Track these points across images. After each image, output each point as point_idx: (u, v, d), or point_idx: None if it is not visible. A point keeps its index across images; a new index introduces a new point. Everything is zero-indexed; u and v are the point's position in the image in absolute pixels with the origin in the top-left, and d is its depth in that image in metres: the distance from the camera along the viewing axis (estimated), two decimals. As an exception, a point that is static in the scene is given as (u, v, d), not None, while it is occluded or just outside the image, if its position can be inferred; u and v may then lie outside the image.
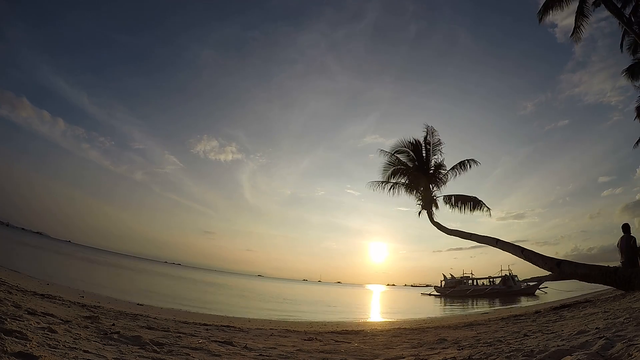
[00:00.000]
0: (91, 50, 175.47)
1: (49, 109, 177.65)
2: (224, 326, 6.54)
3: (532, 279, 31.73)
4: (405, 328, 7.61)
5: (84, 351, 2.60)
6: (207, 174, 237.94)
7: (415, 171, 16.48)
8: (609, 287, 9.39)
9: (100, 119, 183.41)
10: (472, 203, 15.33)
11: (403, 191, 16.88)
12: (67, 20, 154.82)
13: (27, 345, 2.39)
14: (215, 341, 4.15)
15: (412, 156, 16.80)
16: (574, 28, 14.65)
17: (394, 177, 16.94)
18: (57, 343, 2.67)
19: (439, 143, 16.80)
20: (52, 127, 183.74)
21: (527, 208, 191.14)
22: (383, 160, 17.09)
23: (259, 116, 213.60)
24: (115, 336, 3.48)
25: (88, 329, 3.71)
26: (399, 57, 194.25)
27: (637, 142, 21.08)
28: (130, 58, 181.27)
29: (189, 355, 3.10)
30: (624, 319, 3.56)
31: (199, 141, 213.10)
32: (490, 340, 4.00)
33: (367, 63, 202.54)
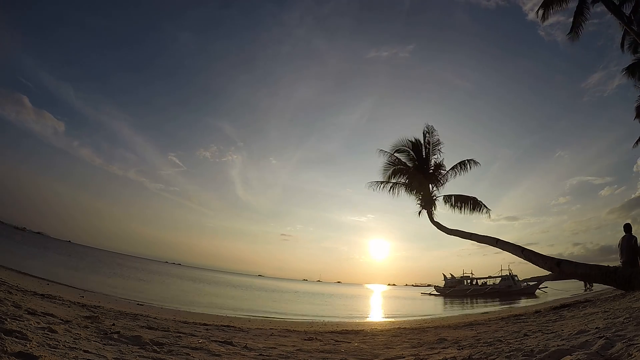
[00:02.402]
0: (68, 37, 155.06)
1: (47, 108, 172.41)
2: (224, 326, 6.54)
3: (532, 279, 31.89)
4: (405, 328, 7.62)
5: (84, 351, 2.60)
6: (202, 174, 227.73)
7: (415, 171, 16.47)
8: (608, 286, 9.40)
9: (88, 115, 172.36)
10: (471, 203, 15.32)
11: (403, 191, 16.88)
12: (46, 8, 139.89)
13: (27, 345, 2.39)
14: (215, 341, 4.15)
15: (412, 156, 16.78)
16: (572, 27, 14.65)
17: (394, 177, 16.93)
18: (57, 343, 2.67)
19: (439, 143, 16.80)
20: (46, 126, 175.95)
21: (521, 210, 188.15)
22: (383, 159, 17.09)
23: (245, 104, 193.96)
24: (115, 336, 3.48)
25: (88, 329, 3.71)
26: (391, 34, 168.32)
27: (636, 142, 21.07)
28: (110, 46, 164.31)
29: (189, 355, 3.10)
30: (624, 319, 3.56)
31: (194, 139, 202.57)
32: (490, 340, 4.00)
33: (357, 41, 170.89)
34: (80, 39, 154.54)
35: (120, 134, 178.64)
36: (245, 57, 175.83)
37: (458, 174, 16.15)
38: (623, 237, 8.54)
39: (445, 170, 16.43)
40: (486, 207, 15.26)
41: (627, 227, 8.55)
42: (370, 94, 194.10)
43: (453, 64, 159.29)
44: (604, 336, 2.57)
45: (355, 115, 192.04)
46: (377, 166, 17.37)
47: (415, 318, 12.87)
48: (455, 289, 38.73)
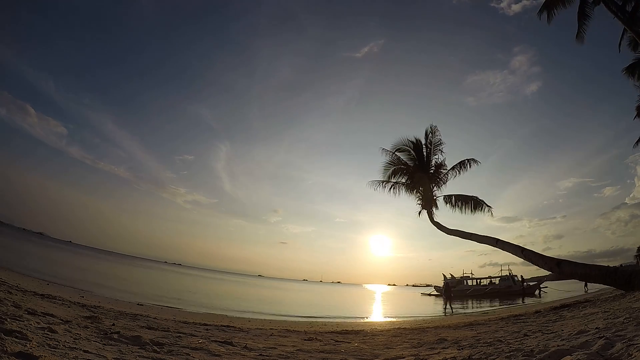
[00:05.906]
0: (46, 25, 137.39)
1: (43, 109, 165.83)
2: (224, 326, 6.55)
3: (532, 279, 31.80)
4: (405, 328, 7.62)
5: (84, 351, 2.60)
6: (197, 173, 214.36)
7: (416, 170, 16.48)
8: (609, 286, 9.41)
9: (86, 116, 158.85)
10: (472, 203, 15.32)
11: (403, 190, 16.89)
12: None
13: (27, 345, 2.39)
14: (215, 341, 4.15)
15: (413, 155, 16.78)
16: (578, 29, 14.64)
17: (394, 177, 16.95)
18: (57, 343, 2.67)
19: (440, 143, 16.80)
20: (38, 126, 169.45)
21: (517, 211, 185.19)
22: (383, 158, 17.11)
23: (222, 87, 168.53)
24: (115, 336, 3.48)
25: (88, 329, 3.71)
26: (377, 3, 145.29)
27: (637, 142, 21.05)
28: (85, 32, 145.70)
29: (189, 355, 3.10)
30: (624, 319, 3.56)
31: (175, 134, 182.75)
32: (490, 340, 4.00)
33: (342, 6, 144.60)
34: (51, 22, 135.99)
35: (113, 134, 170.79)
36: (218, 31, 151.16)
37: (459, 174, 16.17)
38: None
39: (445, 169, 16.45)
40: (487, 206, 15.27)
41: None
42: (360, 73, 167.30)
43: (445, 37, 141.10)
44: (604, 336, 2.57)
45: (344, 96, 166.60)
46: (375, 155, 17.33)
47: (415, 318, 12.86)
48: (455, 289, 38.68)
